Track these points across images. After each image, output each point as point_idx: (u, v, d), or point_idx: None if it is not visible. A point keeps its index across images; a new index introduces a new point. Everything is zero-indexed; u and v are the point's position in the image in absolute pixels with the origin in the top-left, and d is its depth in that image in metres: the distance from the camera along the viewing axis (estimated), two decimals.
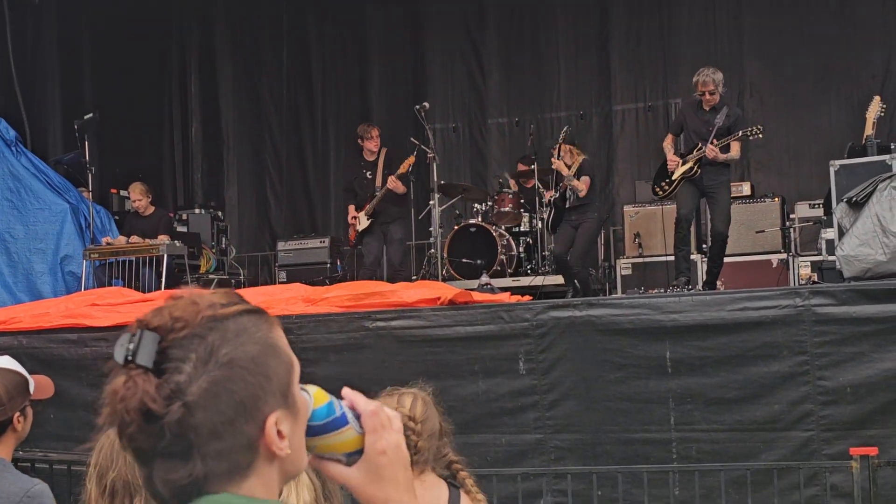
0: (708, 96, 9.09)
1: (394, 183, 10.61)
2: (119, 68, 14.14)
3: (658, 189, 9.44)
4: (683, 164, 9.15)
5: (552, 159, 10.49)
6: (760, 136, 9.22)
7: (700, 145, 9.05)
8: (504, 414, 7.06)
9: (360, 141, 11.24)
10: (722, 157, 9.00)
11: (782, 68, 13.21)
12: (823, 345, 6.57)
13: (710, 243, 9.63)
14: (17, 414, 3.38)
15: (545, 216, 10.87)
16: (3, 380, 3.36)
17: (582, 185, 10.16)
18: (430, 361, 7.18)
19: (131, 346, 1.34)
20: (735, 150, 9.09)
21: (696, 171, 9.08)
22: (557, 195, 10.41)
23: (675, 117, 9.82)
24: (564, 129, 10.80)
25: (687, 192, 9.20)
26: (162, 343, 1.35)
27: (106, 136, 13.03)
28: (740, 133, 9.03)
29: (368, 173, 10.95)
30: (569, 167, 10.31)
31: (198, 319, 1.37)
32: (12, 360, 3.52)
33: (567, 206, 10.26)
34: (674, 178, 9.22)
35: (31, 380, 3.50)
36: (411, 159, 10.40)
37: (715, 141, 8.99)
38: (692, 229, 10.81)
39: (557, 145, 10.50)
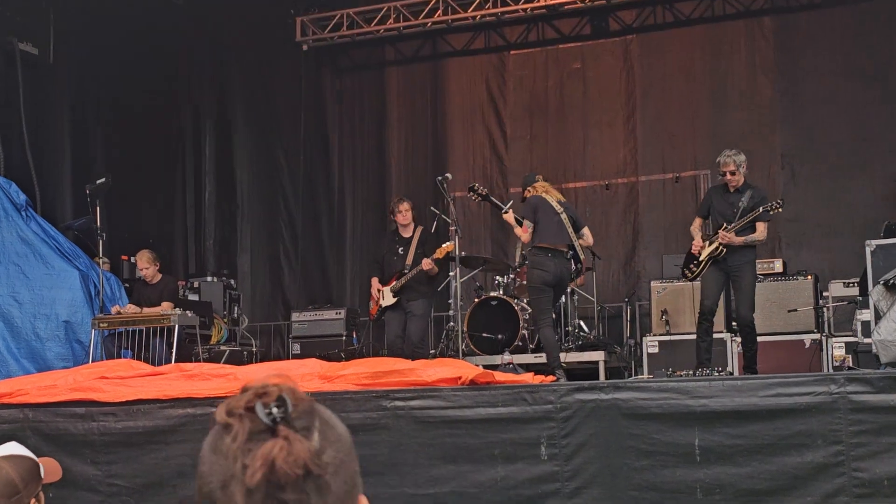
0: (729, 176, 9.37)
1: (429, 265, 10.68)
2: (131, 131, 14.32)
3: (687, 272, 9.63)
4: (710, 244, 9.30)
5: (504, 215, 10.23)
6: (780, 209, 9.35)
7: (725, 225, 9.23)
8: (523, 502, 7.03)
9: (391, 215, 11.33)
10: (738, 240, 9.14)
11: (816, 139, 13.27)
12: (859, 434, 6.54)
13: (738, 331, 9.72)
14: (33, 500, 3.46)
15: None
16: (17, 468, 3.43)
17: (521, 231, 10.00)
18: (449, 445, 7.18)
19: (276, 410, 1.42)
20: (760, 230, 9.25)
21: (722, 251, 9.23)
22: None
23: (703, 200, 10.02)
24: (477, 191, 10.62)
25: (712, 278, 9.39)
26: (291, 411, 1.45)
27: (117, 201, 13.15)
28: (760, 210, 9.19)
29: (401, 249, 11.02)
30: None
31: (306, 396, 1.46)
32: (19, 445, 3.59)
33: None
34: (701, 259, 9.37)
35: (41, 464, 3.57)
36: (450, 246, 10.44)
37: (726, 225, 9.21)
38: (721, 305, 10.86)
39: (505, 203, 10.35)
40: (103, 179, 11.51)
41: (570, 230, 9.87)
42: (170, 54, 15.17)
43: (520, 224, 9.99)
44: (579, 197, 14.00)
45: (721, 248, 9.21)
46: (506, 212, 10.15)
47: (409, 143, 15.08)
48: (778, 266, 11.87)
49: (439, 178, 10.74)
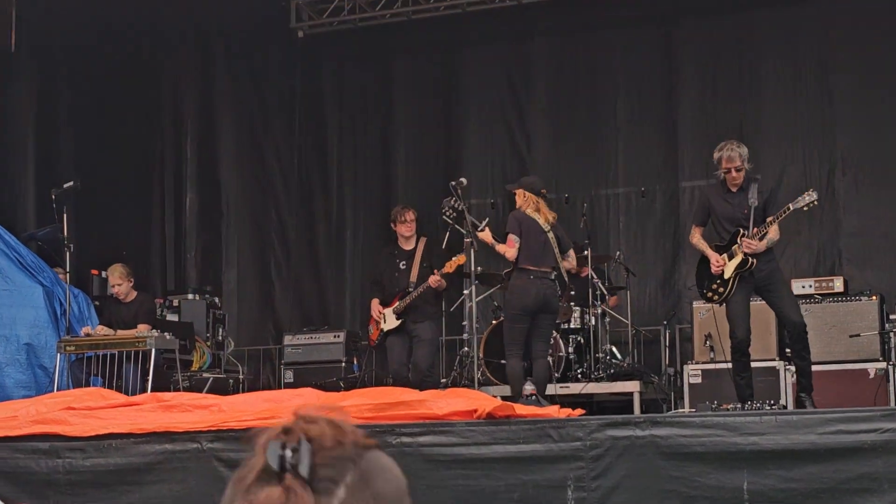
0: (734, 174, 9.09)
1: (437, 282, 10.68)
2: (104, 129, 14.38)
3: (711, 294, 9.32)
4: (731, 258, 9.11)
5: (479, 233, 10.23)
6: (816, 202, 9.20)
7: (743, 232, 9.08)
8: None
9: (392, 225, 11.31)
10: (763, 245, 9.01)
11: (879, 142, 13.23)
12: None
13: (789, 341, 9.57)
14: None
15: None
16: None
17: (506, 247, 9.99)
18: (462, 487, 7.17)
19: (290, 454, 1.41)
20: (774, 230, 9.10)
21: (752, 264, 9.06)
22: None
23: (697, 205, 9.80)
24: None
25: (740, 301, 9.14)
26: (314, 457, 1.42)
27: (87, 208, 13.19)
28: (790, 208, 9.03)
29: (402, 264, 11.03)
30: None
31: (349, 440, 1.45)
32: None
33: None
34: (727, 276, 9.17)
35: None
36: (461, 259, 10.43)
37: (756, 230, 9.01)
38: (772, 331, 10.82)
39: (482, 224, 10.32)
40: (71, 183, 11.54)
41: (556, 251, 9.95)
42: (149, 44, 15.21)
43: (496, 238, 10.04)
44: (611, 205, 14.00)
45: (750, 260, 9.04)
46: (482, 230, 10.13)
47: (418, 143, 15.09)
48: (838, 285, 11.79)
49: (452, 183, 10.74)
